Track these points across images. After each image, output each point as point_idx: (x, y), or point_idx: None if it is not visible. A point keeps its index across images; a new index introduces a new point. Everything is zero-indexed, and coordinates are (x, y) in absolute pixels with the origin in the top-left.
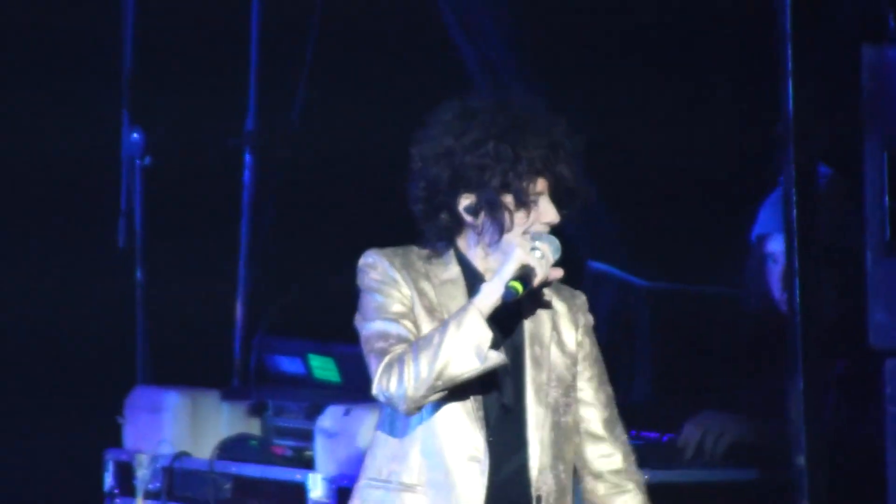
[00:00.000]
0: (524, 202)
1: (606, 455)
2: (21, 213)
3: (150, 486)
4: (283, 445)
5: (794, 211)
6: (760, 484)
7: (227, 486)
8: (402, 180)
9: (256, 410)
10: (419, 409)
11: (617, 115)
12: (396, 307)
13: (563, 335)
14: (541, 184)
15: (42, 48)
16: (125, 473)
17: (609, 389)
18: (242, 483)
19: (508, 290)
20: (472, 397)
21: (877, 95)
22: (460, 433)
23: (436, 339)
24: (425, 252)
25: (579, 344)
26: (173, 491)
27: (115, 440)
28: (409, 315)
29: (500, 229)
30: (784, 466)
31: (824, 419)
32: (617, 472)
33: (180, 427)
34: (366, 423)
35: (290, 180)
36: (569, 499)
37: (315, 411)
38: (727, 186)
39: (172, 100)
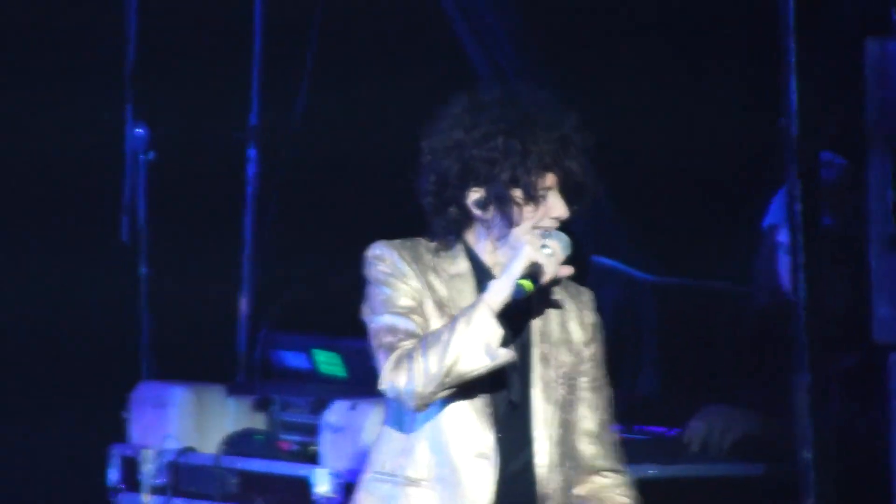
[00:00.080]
0: (533, 197)
1: (599, 455)
2: (25, 209)
3: (156, 482)
4: (289, 440)
5: (799, 205)
6: (766, 479)
7: (233, 481)
8: (405, 175)
9: (262, 405)
10: (427, 405)
11: (622, 111)
12: (405, 301)
13: (570, 332)
14: (550, 178)
15: (46, 44)
16: (130, 469)
17: (608, 391)
18: (248, 478)
19: (518, 288)
20: (480, 394)
21: (880, 89)
22: (468, 429)
23: (445, 336)
24: (433, 245)
25: (586, 343)
26: (179, 486)
27: (121, 435)
28: (418, 309)
29: (509, 224)
30: (790, 461)
31: (832, 413)
32: (608, 470)
33: (186, 422)
34: (371, 418)
35: (294, 174)
36: (572, 495)
37: (321, 406)
38: (732, 181)
39: (176, 95)
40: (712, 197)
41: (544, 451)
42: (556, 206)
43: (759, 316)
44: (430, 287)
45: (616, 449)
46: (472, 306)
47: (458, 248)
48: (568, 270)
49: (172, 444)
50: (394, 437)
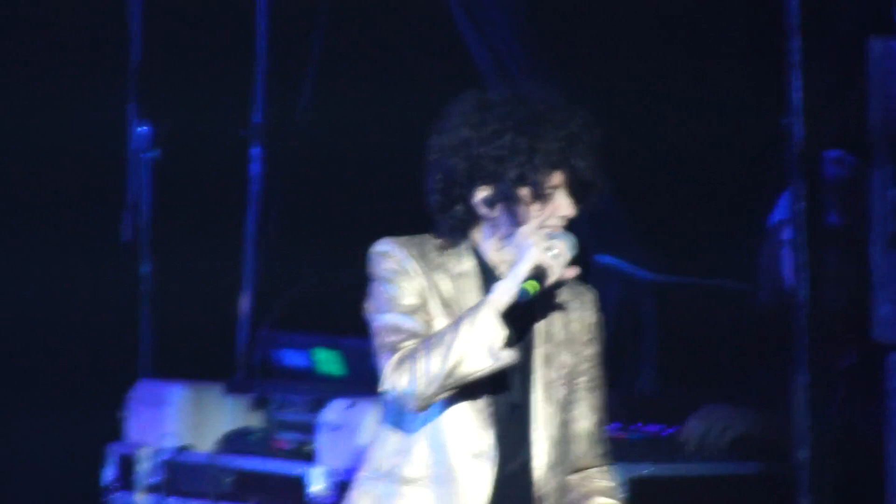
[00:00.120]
0: (540, 195)
1: (590, 454)
2: (27, 206)
3: (151, 480)
4: (286, 439)
5: (802, 203)
6: (764, 478)
7: (228, 479)
8: (409, 174)
9: (260, 404)
10: (428, 406)
11: (625, 107)
12: (410, 299)
13: (573, 333)
14: (557, 177)
15: (50, 41)
16: (126, 467)
17: (604, 390)
18: (243, 477)
19: (523, 291)
20: (480, 394)
21: (883, 88)
22: (468, 429)
23: (448, 337)
24: (439, 242)
25: (587, 342)
26: (174, 485)
27: (118, 434)
28: (423, 308)
29: (516, 223)
30: (787, 461)
31: (831, 412)
32: (597, 470)
33: (183, 421)
34: (369, 417)
35: (298, 173)
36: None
37: (318, 405)
38: (736, 179)
39: (179, 93)
40: (715, 195)
41: (543, 452)
42: (562, 205)
43: (762, 313)
44: (436, 286)
45: (607, 448)
46: (477, 307)
47: (464, 247)
48: (573, 272)
49: (170, 443)
50: (391, 435)
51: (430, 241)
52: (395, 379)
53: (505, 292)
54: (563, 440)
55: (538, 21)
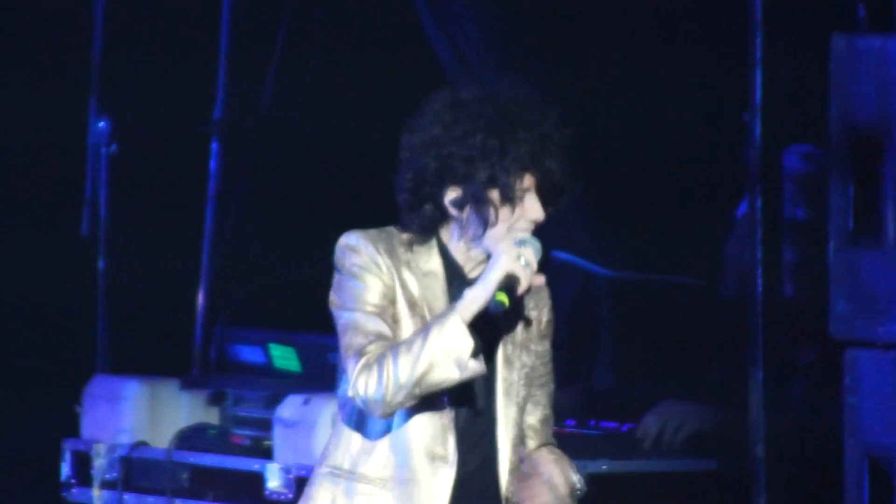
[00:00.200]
0: (510, 198)
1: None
2: None
3: (107, 476)
4: (242, 435)
5: (759, 199)
6: (719, 474)
7: (185, 475)
8: (370, 169)
9: (216, 400)
10: (393, 413)
11: (586, 101)
12: (376, 298)
13: (531, 332)
14: (528, 180)
15: (10, 36)
16: (83, 463)
17: (552, 387)
18: (200, 473)
19: (496, 304)
20: (443, 397)
21: (845, 84)
22: (430, 432)
23: (416, 346)
24: (407, 238)
25: (540, 339)
26: (130, 480)
27: (74, 429)
28: (389, 307)
29: (485, 224)
30: (744, 457)
31: (789, 409)
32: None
33: (139, 416)
34: (325, 413)
35: (257, 169)
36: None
37: (274, 401)
38: (695, 175)
39: (140, 88)
40: (676, 191)
41: (506, 455)
42: (532, 209)
43: (723, 308)
44: (403, 284)
45: (552, 442)
46: (445, 316)
47: (432, 244)
48: (541, 280)
49: (125, 439)
50: (353, 435)
51: (397, 236)
52: (362, 385)
53: (474, 301)
54: (518, 439)
55: (501, 14)
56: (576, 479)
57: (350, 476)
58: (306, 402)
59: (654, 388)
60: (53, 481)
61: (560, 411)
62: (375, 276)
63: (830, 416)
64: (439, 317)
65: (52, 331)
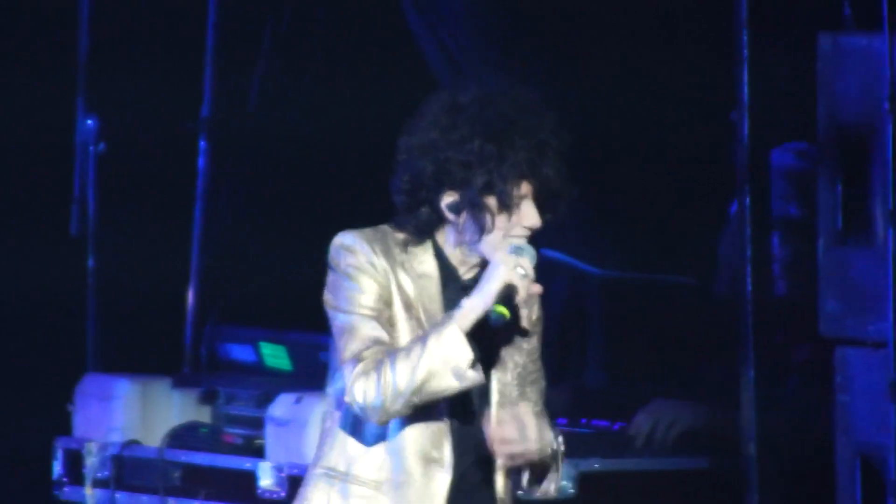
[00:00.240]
0: (507, 205)
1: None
2: None
3: (99, 475)
4: (234, 433)
5: (748, 198)
6: (711, 473)
7: (177, 474)
8: (358, 167)
9: (207, 398)
10: (390, 420)
11: (575, 99)
12: (372, 300)
13: (522, 332)
14: (525, 186)
15: None
16: (74, 461)
17: (543, 384)
18: (192, 471)
19: (498, 317)
20: (439, 400)
21: (832, 83)
22: (426, 435)
23: (415, 355)
24: (401, 237)
25: (530, 338)
26: (122, 479)
27: (65, 428)
28: (385, 310)
29: (481, 230)
30: (736, 455)
31: (782, 407)
32: None
33: (131, 415)
34: (317, 412)
35: (246, 167)
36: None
37: (266, 399)
38: (687, 174)
39: (127, 86)
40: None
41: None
42: (528, 215)
43: (716, 306)
44: (399, 285)
45: None
46: (443, 325)
47: (427, 245)
48: (538, 289)
49: (117, 437)
50: (349, 437)
51: (392, 236)
52: (360, 392)
53: (472, 310)
54: None
55: (488, 13)
56: (551, 437)
57: (345, 478)
58: (298, 401)
59: (646, 386)
60: (45, 480)
61: (551, 410)
62: (371, 278)
63: (823, 414)
64: (437, 326)
65: (42, 330)
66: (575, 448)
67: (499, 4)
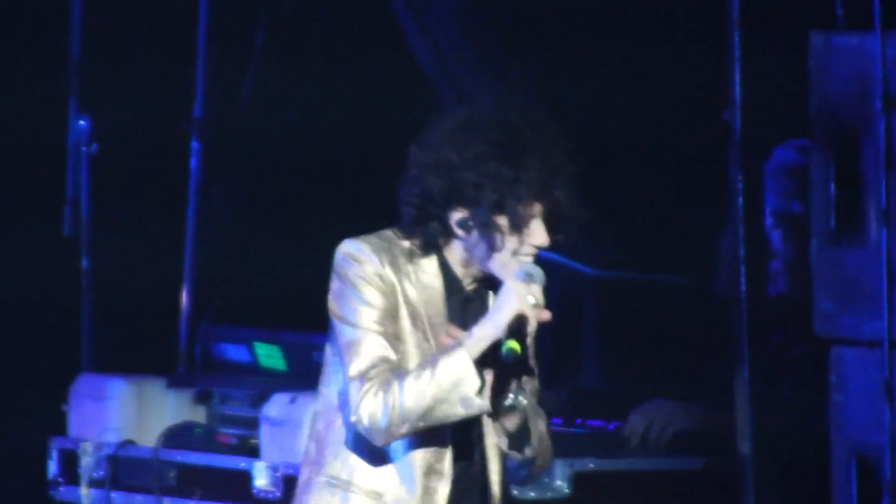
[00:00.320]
0: (517, 224)
1: None
2: None
3: (95, 475)
4: (229, 433)
5: (741, 197)
6: (706, 473)
7: (172, 473)
8: (351, 168)
9: (202, 398)
10: (393, 441)
11: (569, 99)
12: (379, 315)
13: (529, 371)
14: (536, 206)
15: None
16: (70, 461)
17: (537, 383)
18: (187, 471)
19: (508, 353)
20: None
21: (824, 83)
22: (429, 446)
23: (423, 381)
24: (406, 246)
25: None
26: (118, 479)
27: (60, 428)
28: (391, 323)
29: (490, 248)
30: (731, 455)
31: (777, 407)
32: None
33: (125, 415)
34: (311, 412)
35: (239, 167)
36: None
37: (260, 399)
38: (681, 174)
39: (120, 87)
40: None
41: (496, 463)
42: (537, 234)
43: (715, 306)
44: (405, 296)
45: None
46: (452, 351)
47: (433, 256)
48: (548, 316)
49: (112, 437)
50: (353, 446)
51: (398, 245)
52: (366, 413)
53: (482, 339)
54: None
55: (480, 12)
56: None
57: (347, 486)
58: (292, 401)
59: (641, 386)
60: (41, 480)
61: (546, 410)
62: (378, 291)
63: (818, 413)
64: (446, 352)
65: (36, 330)
66: (570, 448)
67: (494, 4)
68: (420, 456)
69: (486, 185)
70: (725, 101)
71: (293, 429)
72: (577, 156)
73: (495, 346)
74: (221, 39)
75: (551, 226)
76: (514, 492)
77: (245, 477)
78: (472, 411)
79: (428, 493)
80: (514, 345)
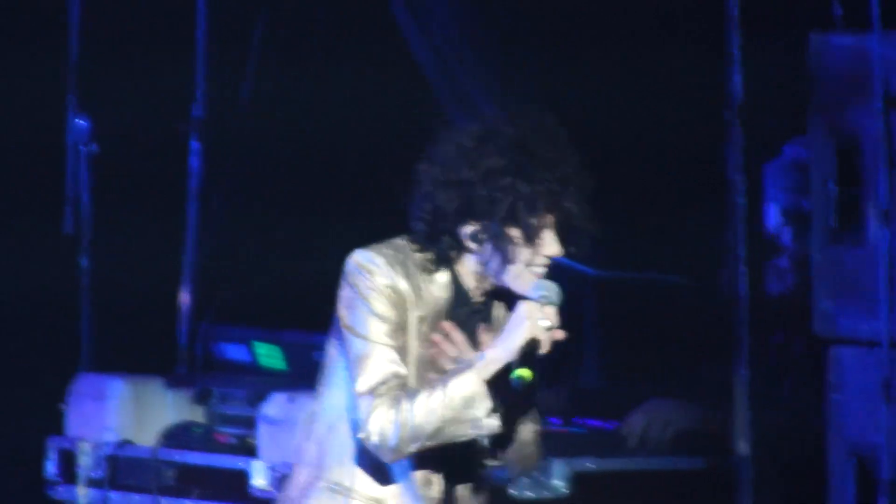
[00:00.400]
0: (529, 236)
1: None
2: None
3: (93, 474)
4: (228, 433)
5: (740, 199)
6: (705, 473)
7: (170, 473)
8: (351, 167)
9: (201, 398)
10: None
11: (569, 99)
12: (390, 329)
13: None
14: (548, 218)
15: None
16: (68, 461)
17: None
18: (186, 471)
19: (518, 380)
20: None
21: (823, 82)
22: (429, 456)
23: (434, 402)
24: (420, 259)
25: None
26: (116, 479)
27: (59, 428)
28: (401, 336)
29: (503, 260)
30: (730, 455)
31: (776, 406)
32: None
33: (124, 414)
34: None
35: (238, 167)
36: None
37: (259, 399)
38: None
39: (119, 86)
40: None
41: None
42: (549, 245)
43: (718, 305)
44: (417, 307)
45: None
46: (463, 374)
47: (444, 268)
48: (561, 335)
49: (110, 437)
50: (356, 453)
51: (411, 256)
52: (375, 430)
53: (493, 362)
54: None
55: (480, 12)
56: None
57: (348, 492)
58: (291, 401)
59: (641, 386)
60: (39, 479)
61: (546, 410)
62: (390, 303)
63: (818, 413)
64: (457, 373)
65: (36, 329)
66: (569, 447)
67: (494, 4)
68: (421, 465)
69: (499, 200)
70: (725, 100)
71: (291, 428)
72: (586, 165)
73: (506, 369)
74: (221, 39)
75: (563, 236)
76: (512, 492)
77: (243, 477)
78: (482, 432)
79: (428, 501)
80: (524, 373)
